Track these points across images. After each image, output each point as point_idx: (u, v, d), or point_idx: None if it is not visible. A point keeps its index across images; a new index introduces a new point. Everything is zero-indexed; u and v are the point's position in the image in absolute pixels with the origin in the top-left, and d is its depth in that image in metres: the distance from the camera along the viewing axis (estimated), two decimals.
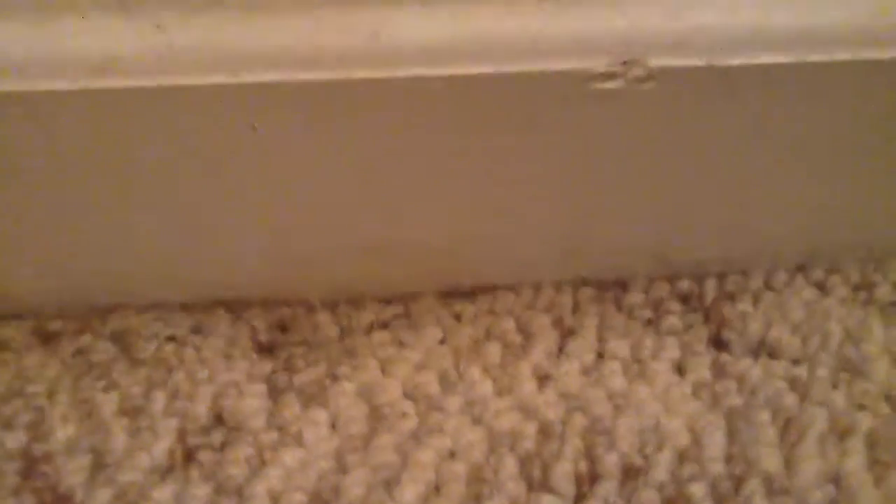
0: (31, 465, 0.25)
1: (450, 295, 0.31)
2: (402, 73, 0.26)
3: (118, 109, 0.28)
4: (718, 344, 0.30)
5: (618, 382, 0.28)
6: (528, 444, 0.26)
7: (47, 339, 0.30)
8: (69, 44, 0.27)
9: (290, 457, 0.25)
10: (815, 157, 0.30)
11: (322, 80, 0.26)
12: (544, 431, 0.26)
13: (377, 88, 0.26)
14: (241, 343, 0.30)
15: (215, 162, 0.28)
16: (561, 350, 0.29)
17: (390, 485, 0.24)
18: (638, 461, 0.25)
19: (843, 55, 0.27)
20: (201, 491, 0.24)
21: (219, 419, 0.27)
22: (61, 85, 0.27)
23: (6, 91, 0.26)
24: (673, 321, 0.30)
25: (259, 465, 0.25)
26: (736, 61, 0.27)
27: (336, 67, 0.26)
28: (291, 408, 0.27)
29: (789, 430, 0.26)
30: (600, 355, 0.29)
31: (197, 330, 0.30)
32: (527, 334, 0.30)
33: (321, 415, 0.27)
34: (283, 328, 0.30)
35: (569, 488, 0.24)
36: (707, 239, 0.32)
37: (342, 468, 0.25)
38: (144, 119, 0.28)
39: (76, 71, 0.28)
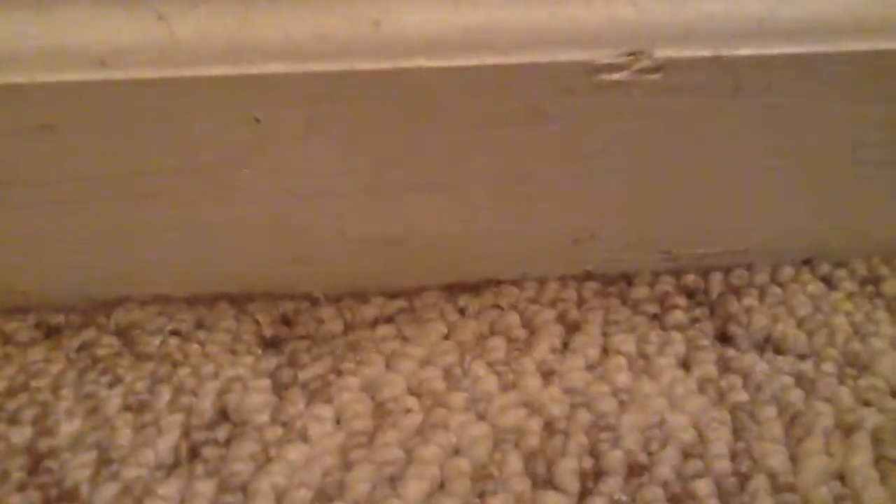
0: (36, 460, 0.25)
1: (454, 289, 0.31)
2: (404, 63, 0.26)
3: (120, 102, 0.27)
4: (724, 339, 0.30)
5: (623, 378, 0.28)
6: (533, 441, 0.26)
7: (51, 333, 0.30)
8: (71, 35, 0.27)
9: (295, 452, 0.25)
10: (821, 150, 0.29)
11: (324, 71, 0.26)
12: (549, 427, 0.26)
13: (380, 79, 0.26)
14: (246, 338, 0.30)
15: (218, 154, 0.28)
16: (566, 345, 0.29)
17: (395, 481, 0.24)
18: (642, 458, 0.25)
19: (849, 46, 0.27)
20: (206, 487, 0.24)
21: (223, 415, 0.27)
22: (63, 77, 0.27)
23: (8, 83, 0.26)
24: (678, 316, 0.30)
25: (264, 460, 0.25)
26: (742, 52, 0.26)
27: (338, 58, 0.26)
28: (296, 403, 0.27)
29: (795, 426, 0.26)
30: (605, 350, 0.29)
31: (201, 324, 0.30)
32: (531, 329, 0.30)
33: (326, 410, 0.27)
34: (287, 322, 0.30)
35: (573, 485, 0.24)
36: (712, 233, 0.31)
37: (347, 464, 0.25)
38: (146, 111, 0.28)
39: (78, 63, 0.28)
